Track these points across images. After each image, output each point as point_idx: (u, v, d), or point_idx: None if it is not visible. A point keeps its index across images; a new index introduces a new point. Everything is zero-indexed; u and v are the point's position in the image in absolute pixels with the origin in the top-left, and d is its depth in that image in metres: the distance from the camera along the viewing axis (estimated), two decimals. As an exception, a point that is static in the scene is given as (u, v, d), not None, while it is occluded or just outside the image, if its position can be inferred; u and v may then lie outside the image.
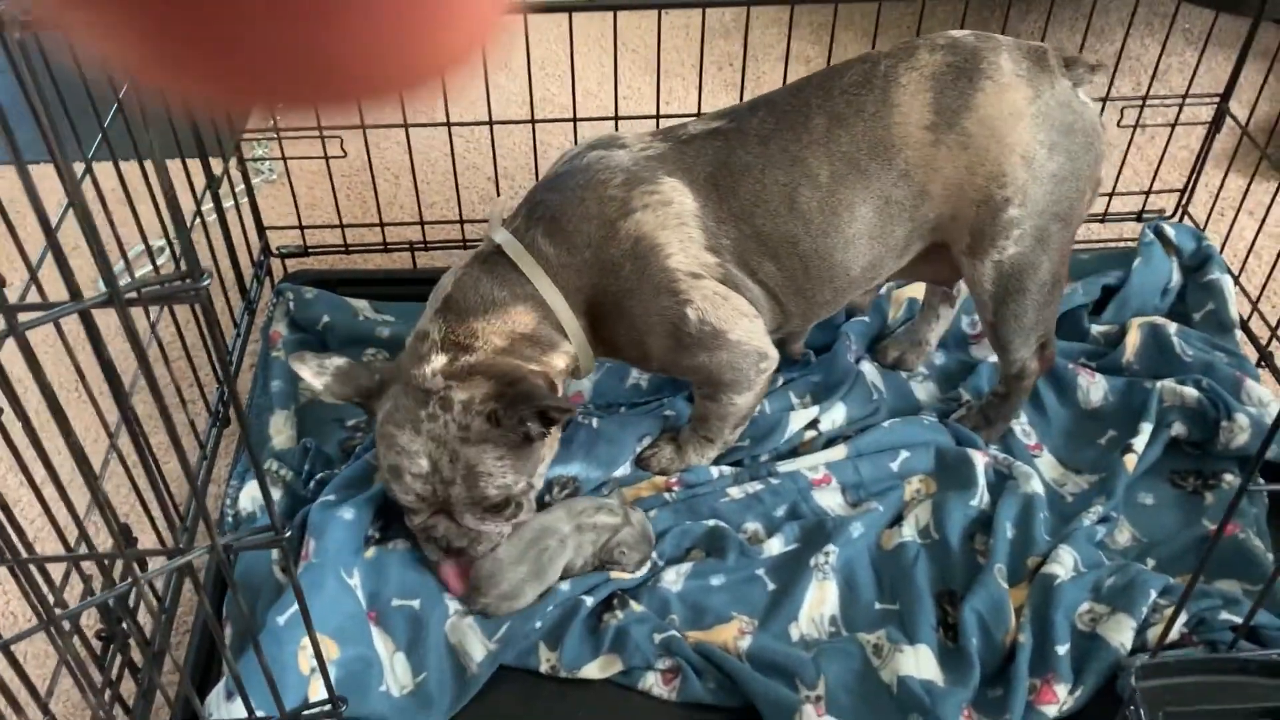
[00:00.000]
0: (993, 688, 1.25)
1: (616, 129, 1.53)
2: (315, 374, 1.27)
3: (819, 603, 1.34)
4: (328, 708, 0.93)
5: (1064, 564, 1.32)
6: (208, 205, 1.52)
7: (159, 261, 1.53)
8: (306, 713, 0.94)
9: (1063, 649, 1.24)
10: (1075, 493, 1.48)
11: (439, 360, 1.22)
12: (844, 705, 1.22)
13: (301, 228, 1.75)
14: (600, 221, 1.22)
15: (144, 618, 1.29)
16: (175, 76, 0.25)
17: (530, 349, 1.25)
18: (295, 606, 1.23)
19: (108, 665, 1.12)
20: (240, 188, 1.73)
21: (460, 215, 1.77)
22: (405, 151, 1.70)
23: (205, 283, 0.64)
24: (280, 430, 1.51)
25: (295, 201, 1.74)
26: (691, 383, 1.41)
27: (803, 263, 1.28)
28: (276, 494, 1.42)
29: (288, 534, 0.79)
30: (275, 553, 1.34)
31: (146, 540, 1.27)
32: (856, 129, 1.25)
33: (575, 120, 1.66)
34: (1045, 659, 1.24)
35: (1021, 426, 1.55)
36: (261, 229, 1.75)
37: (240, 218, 1.68)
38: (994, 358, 1.55)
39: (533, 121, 1.64)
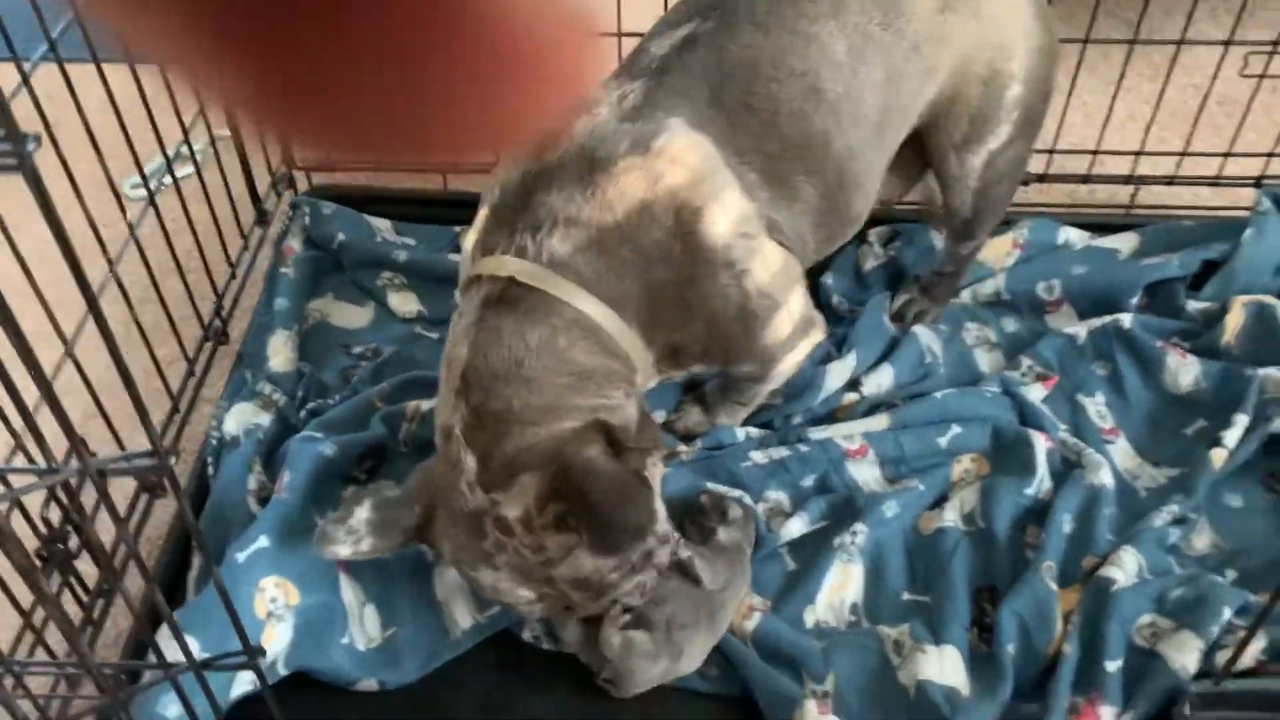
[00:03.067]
0: (1027, 702, 1.09)
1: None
2: (351, 545, 1.00)
3: (840, 587, 1.19)
4: (243, 658, 0.82)
5: (1125, 568, 1.15)
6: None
7: (180, 175, 1.43)
8: (219, 661, 0.83)
9: (1114, 665, 1.08)
10: (1150, 487, 1.30)
11: (470, 464, 0.94)
12: (853, 707, 1.08)
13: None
14: (628, 206, 0.98)
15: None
16: (268, 119, 0.25)
17: (586, 391, 0.98)
18: (257, 543, 1.13)
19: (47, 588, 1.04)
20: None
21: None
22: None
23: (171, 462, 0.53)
24: (279, 351, 1.41)
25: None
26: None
27: (837, 169, 1.11)
28: (266, 418, 1.32)
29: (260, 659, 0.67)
30: (253, 480, 1.24)
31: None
32: None
33: (620, 36, 1.50)
34: (1092, 675, 1.07)
35: (1097, 407, 1.37)
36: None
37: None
38: (1065, 326, 1.37)
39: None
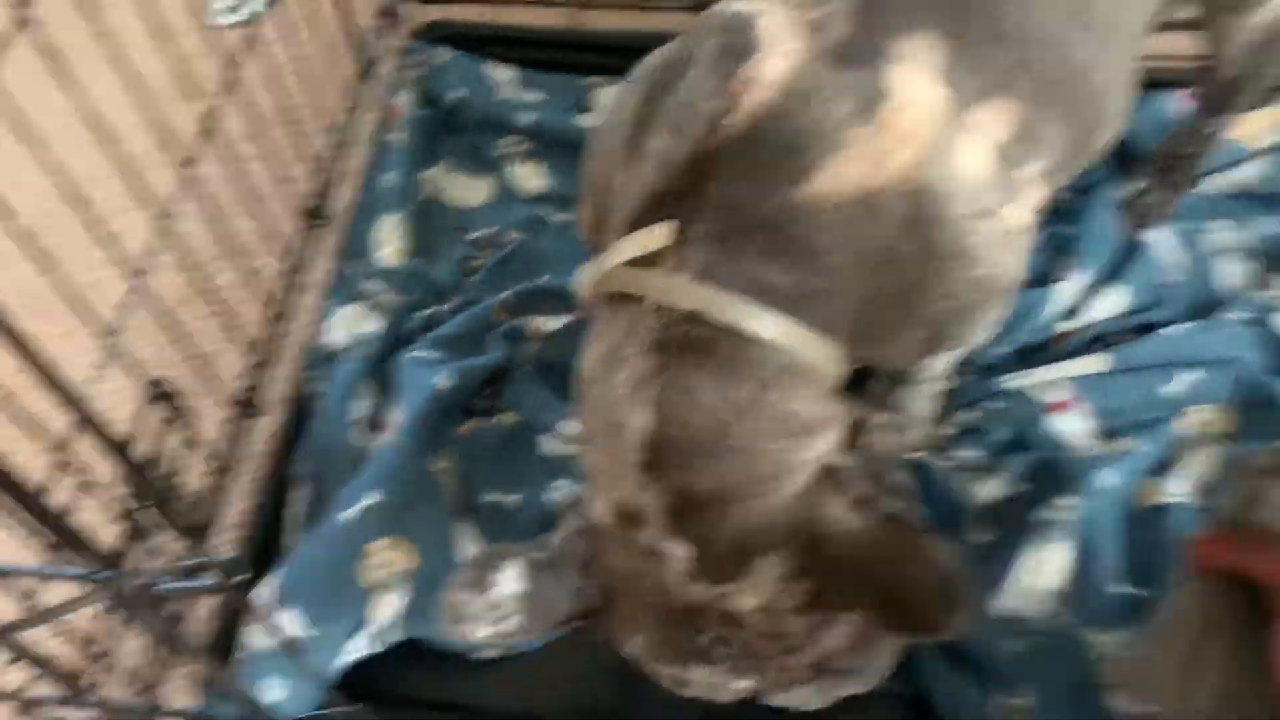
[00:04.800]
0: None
1: None
2: (493, 624, 0.78)
3: (1037, 571, 1.00)
4: (352, 713, 0.69)
5: None
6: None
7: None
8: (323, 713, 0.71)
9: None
10: None
11: (679, 553, 0.74)
12: (1054, 732, 0.91)
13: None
14: (847, 197, 0.72)
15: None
16: None
17: (807, 446, 0.76)
18: (369, 498, 0.99)
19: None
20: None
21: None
22: None
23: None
24: (387, 240, 1.22)
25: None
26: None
27: (1094, 108, 0.83)
28: (375, 322, 1.15)
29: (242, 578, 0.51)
30: (359, 406, 1.09)
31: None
32: None
33: None
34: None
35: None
36: (391, -36, 1.39)
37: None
38: None
39: None
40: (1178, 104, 1.23)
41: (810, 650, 0.78)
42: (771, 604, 0.74)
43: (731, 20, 0.75)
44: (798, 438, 0.74)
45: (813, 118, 0.72)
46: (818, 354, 0.75)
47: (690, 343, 0.73)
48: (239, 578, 0.50)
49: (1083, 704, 0.93)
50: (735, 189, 0.73)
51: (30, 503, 0.39)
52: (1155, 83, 1.24)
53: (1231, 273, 1.18)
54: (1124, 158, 1.24)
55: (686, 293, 0.73)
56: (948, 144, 0.74)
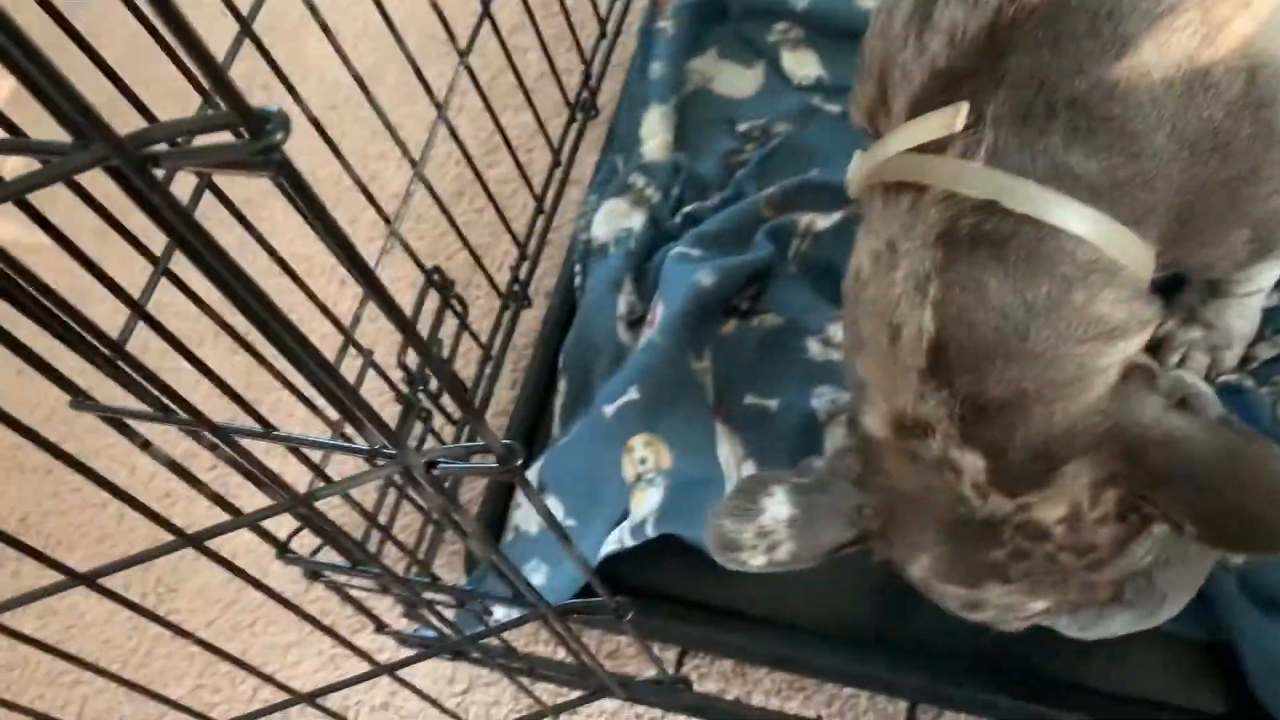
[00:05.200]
0: None
1: None
2: (766, 553, 0.74)
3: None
4: (611, 604, 0.69)
5: None
6: None
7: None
8: (577, 615, 0.71)
9: None
10: None
11: (976, 464, 0.68)
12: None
13: None
14: (1170, 71, 0.64)
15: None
16: None
17: (1115, 348, 0.68)
18: (629, 394, 0.98)
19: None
20: None
21: None
22: None
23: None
24: (655, 132, 1.19)
25: None
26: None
27: None
28: (639, 217, 1.13)
29: (519, 461, 0.50)
30: (623, 302, 1.08)
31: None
32: None
33: None
34: None
35: None
36: None
37: None
38: None
39: None
40: None
41: (1116, 565, 0.71)
42: (1078, 513, 0.68)
43: None
44: (1105, 340, 0.66)
45: None
46: (1129, 251, 0.67)
47: (982, 235, 0.66)
48: (517, 461, 0.49)
49: None
50: (1040, 62, 0.65)
51: (328, 375, 0.38)
52: None
53: None
54: None
55: (980, 178, 0.66)
56: None
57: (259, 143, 0.30)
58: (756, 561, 0.75)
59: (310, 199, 0.32)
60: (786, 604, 0.96)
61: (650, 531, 0.98)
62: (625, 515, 0.96)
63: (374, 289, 0.37)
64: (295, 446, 0.56)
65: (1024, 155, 0.65)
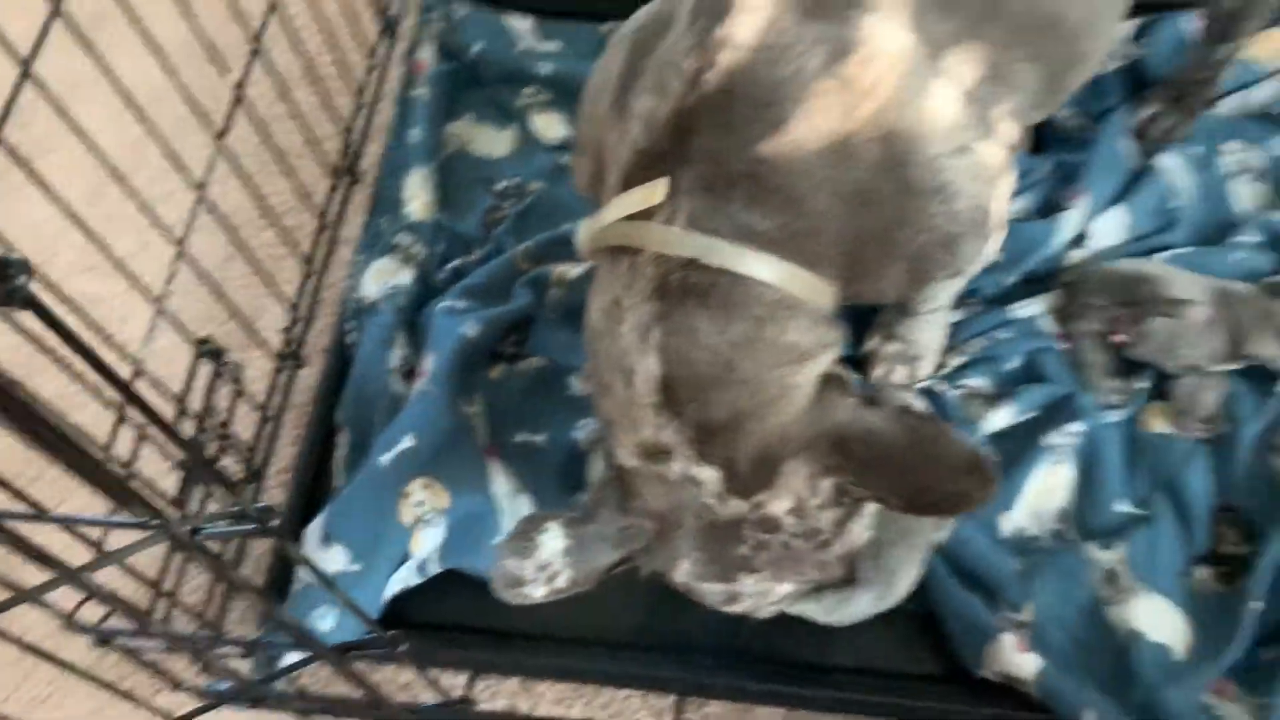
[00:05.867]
0: (1265, 648, 0.95)
1: None
2: (547, 583, 0.83)
3: (1046, 491, 1.05)
4: (385, 638, 0.76)
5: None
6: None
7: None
8: (358, 650, 0.78)
9: (1376, 620, 0.92)
10: None
11: (711, 476, 0.80)
12: (1054, 644, 0.96)
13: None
14: (823, 143, 0.76)
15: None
16: None
17: (808, 366, 0.81)
18: (404, 442, 1.06)
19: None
20: None
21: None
22: None
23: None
24: (417, 194, 1.27)
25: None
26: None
27: (1067, 49, 0.86)
28: (407, 275, 1.21)
29: (274, 522, 0.57)
30: (395, 355, 1.15)
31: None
32: None
33: None
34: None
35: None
36: (408, -79, 1.42)
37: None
38: None
39: None
40: (1192, 26, 1.23)
41: (841, 543, 0.83)
42: (802, 503, 0.80)
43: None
44: (797, 362, 0.79)
45: (784, 72, 0.75)
46: (809, 289, 0.79)
47: (689, 287, 0.78)
48: (273, 522, 0.57)
49: (1082, 616, 0.98)
50: (717, 142, 0.77)
51: (84, 463, 0.45)
52: (1169, 5, 1.24)
53: (1243, 193, 1.19)
54: (1137, 82, 1.24)
55: (681, 241, 0.77)
56: (918, 88, 0.78)
57: (5, 286, 0.37)
58: (539, 593, 0.83)
59: (59, 329, 0.39)
60: (562, 621, 1.05)
61: (434, 568, 1.06)
62: (407, 557, 1.03)
63: (130, 398, 0.44)
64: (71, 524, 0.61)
65: (714, 219, 0.77)
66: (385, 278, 1.21)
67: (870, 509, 0.86)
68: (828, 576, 0.87)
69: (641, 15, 0.86)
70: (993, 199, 0.86)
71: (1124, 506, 1.03)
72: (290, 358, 1.17)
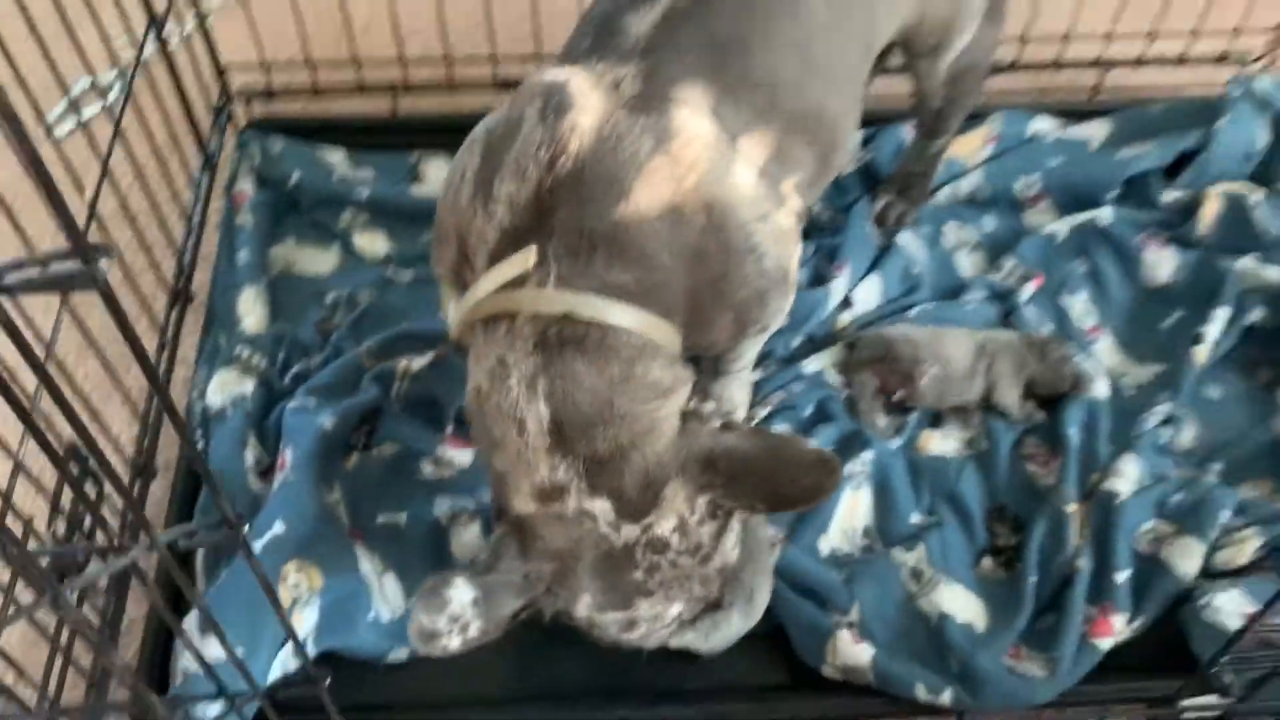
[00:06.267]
0: (1044, 617, 1.14)
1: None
2: (460, 634, 0.88)
3: (851, 513, 1.22)
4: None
5: (1127, 477, 1.19)
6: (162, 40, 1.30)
7: (109, 99, 1.31)
8: (283, 692, 0.82)
9: (1122, 576, 1.13)
10: (1136, 385, 1.33)
11: (604, 507, 0.90)
12: (879, 634, 1.12)
13: (265, 65, 1.53)
14: (663, 211, 0.91)
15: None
16: None
17: (672, 400, 0.94)
18: (273, 530, 1.10)
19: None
20: (189, 28, 1.49)
21: (447, 50, 1.54)
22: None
23: (104, 269, 0.47)
24: (250, 310, 1.34)
25: (256, 34, 1.50)
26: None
27: (831, 133, 1.06)
28: (250, 385, 1.26)
29: (245, 528, 0.64)
30: (250, 455, 1.20)
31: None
32: None
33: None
34: (1103, 587, 1.12)
35: (1081, 305, 1.39)
36: (219, 69, 1.52)
37: (193, 57, 1.46)
38: (1043, 222, 1.37)
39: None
40: (908, 133, 1.51)
41: (718, 555, 0.95)
42: (684, 521, 0.92)
43: (548, 86, 0.94)
44: (663, 397, 0.92)
45: (624, 154, 0.90)
46: (665, 334, 0.93)
47: (565, 339, 0.89)
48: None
49: (899, 608, 1.14)
50: (575, 215, 0.90)
51: None
52: (891, 118, 1.52)
53: (966, 262, 1.45)
54: (871, 180, 1.50)
55: (554, 300, 0.89)
56: (726, 166, 0.95)
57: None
58: (454, 644, 0.88)
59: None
60: (443, 687, 1.11)
61: (312, 650, 1.09)
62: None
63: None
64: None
65: (581, 279, 0.90)
66: (230, 387, 1.26)
67: (737, 526, 0.99)
68: (709, 593, 0.98)
69: (489, 121, 1.00)
70: (791, 259, 1.04)
71: (916, 517, 1.22)
72: (144, 470, 1.19)
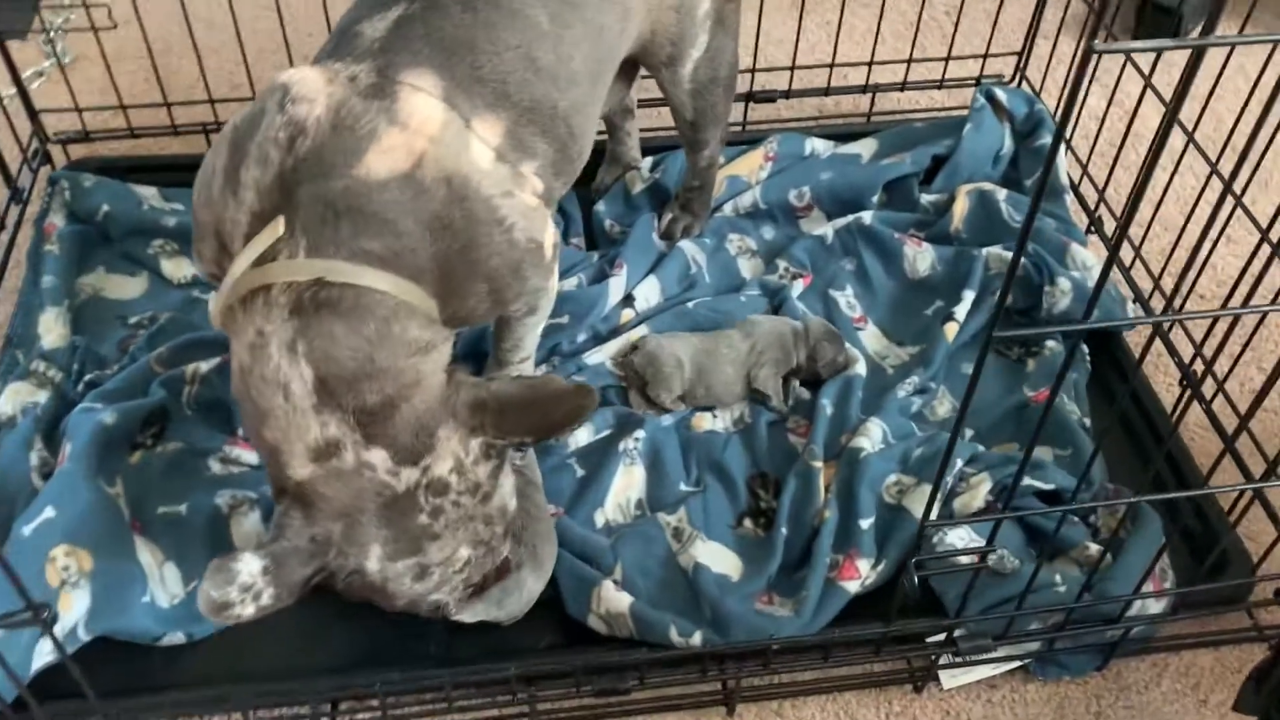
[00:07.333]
0: (798, 569, 1.21)
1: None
2: (254, 603, 0.90)
3: (625, 488, 1.28)
4: (27, 615, 0.84)
5: (872, 436, 1.28)
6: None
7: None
8: (4, 621, 0.85)
9: (866, 523, 1.20)
10: (896, 365, 1.44)
11: (380, 456, 0.96)
12: (640, 586, 1.18)
13: (78, 110, 1.61)
14: (401, 182, 0.98)
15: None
16: None
17: (433, 357, 1.01)
18: (46, 513, 1.13)
19: None
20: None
21: (253, 90, 1.63)
22: (181, 19, 1.55)
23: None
24: (50, 329, 1.38)
25: (68, 83, 1.59)
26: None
27: (565, 125, 1.16)
28: (43, 396, 1.30)
29: (45, 614, 0.69)
30: (34, 457, 1.23)
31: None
32: None
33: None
34: (849, 534, 1.20)
35: (847, 299, 1.50)
36: (33, 113, 1.59)
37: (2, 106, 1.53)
38: (815, 228, 1.48)
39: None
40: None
41: (498, 495, 1.03)
42: (460, 461, 0.99)
43: (286, 82, 1.02)
44: (424, 353, 1.00)
45: (361, 131, 0.98)
46: (417, 296, 1.00)
47: (320, 301, 0.95)
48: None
49: (659, 563, 1.21)
50: (318, 188, 0.96)
51: None
52: (672, 146, 1.64)
53: (746, 266, 1.56)
54: (661, 199, 1.61)
55: (306, 267, 0.95)
56: (462, 142, 1.03)
57: None
58: (248, 612, 0.90)
59: None
60: (221, 664, 1.14)
61: (83, 636, 1.11)
62: (55, 619, 1.09)
63: None
64: None
65: (330, 247, 0.96)
66: (22, 397, 1.30)
67: (512, 475, 1.06)
68: (493, 534, 1.05)
69: (236, 119, 1.07)
70: (544, 233, 1.12)
71: (685, 487, 1.29)
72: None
